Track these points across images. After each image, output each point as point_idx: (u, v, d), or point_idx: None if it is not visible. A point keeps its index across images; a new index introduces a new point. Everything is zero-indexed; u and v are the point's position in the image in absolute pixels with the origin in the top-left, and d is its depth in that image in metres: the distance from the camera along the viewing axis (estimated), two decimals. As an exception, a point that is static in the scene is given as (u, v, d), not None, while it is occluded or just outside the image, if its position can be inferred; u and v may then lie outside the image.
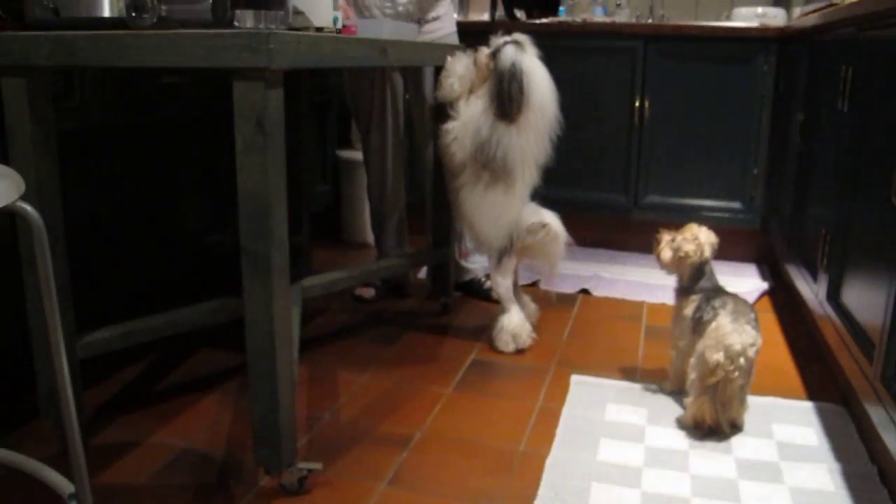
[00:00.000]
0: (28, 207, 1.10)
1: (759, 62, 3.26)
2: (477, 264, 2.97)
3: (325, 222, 3.65)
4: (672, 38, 3.32)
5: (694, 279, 2.05)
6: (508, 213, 2.35)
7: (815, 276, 2.33)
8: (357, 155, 3.52)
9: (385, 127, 2.74)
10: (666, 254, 2.08)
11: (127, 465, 1.71)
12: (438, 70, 2.45)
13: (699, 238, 2.05)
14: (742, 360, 1.84)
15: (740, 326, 1.86)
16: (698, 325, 1.95)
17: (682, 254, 2.04)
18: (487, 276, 2.76)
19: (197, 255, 2.57)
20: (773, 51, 3.25)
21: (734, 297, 1.97)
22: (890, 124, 1.79)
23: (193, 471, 1.70)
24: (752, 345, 1.86)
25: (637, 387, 2.16)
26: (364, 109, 2.73)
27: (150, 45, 1.42)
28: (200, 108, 2.47)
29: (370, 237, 3.54)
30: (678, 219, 2.67)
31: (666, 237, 2.10)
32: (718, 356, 1.83)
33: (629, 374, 2.26)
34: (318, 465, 1.64)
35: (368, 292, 2.87)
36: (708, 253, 2.04)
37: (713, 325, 1.89)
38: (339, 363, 2.30)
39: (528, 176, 2.36)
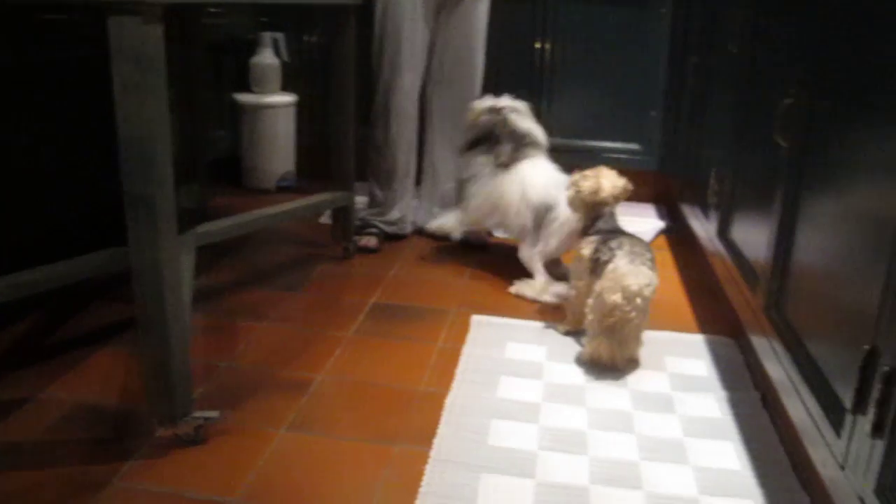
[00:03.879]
0: None
1: (657, 5, 3.29)
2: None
3: (225, 169, 3.56)
4: (572, -20, 3.32)
5: (593, 220, 2.08)
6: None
7: (706, 214, 2.40)
8: (258, 99, 3.43)
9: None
10: (569, 192, 2.11)
11: (16, 423, 1.65)
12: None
13: (599, 178, 2.08)
14: (639, 301, 1.88)
15: (636, 267, 1.90)
16: (597, 267, 1.99)
17: (577, 189, 2.07)
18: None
19: (89, 203, 2.46)
20: (670, -7, 3.29)
21: (631, 237, 2.01)
22: (774, 66, 1.84)
23: (87, 425, 1.65)
24: (648, 285, 1.91)
25: (537, 325, 2.20)
26: None
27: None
28: (85, 47, 2.33)
29: (271, 183, 3.48)
30: (581, 161, 2.70)
31: (575, 177, 2.13)
32: (616, 297, 1.87)
33: (530, 313, 2.29)
34: (214, 414, 1.62)
35: (371, 241, 2.80)
36: (606, 193, 2.07)
37: (610, 266, 1.93)
38: (238, 311, 2.26)
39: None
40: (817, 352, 1.41)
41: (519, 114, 2.57)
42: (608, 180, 2.09)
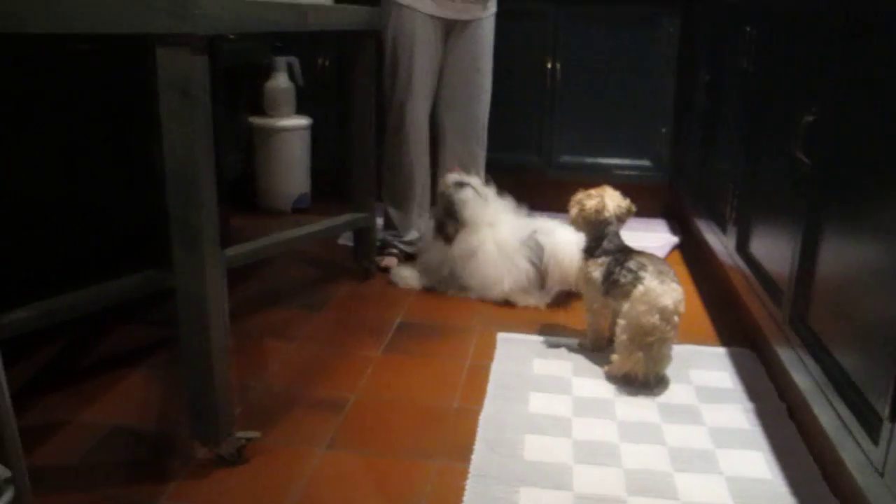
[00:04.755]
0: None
1: (665, 24, 3.35)
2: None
3: (238, 191, 3.60)
4: (582, 1, 3.38)
5: (597, 239, 2.09)
6: None
7: (724, 229, 2.44)
8: (273, 122, 3.47)
9: None
10: (572, 210, 2.13)
11: (55, 447, 1.68)
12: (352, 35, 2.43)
13: (603, 197, 2.09)
14: (676, 318, 1.91)
15: (668, 286, 1.92)
16: (613, 288, 2.00)
17: (580, 207, 2.09)
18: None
19: (111, 230, 2.50)
20: (678, 13, 3.34)
21: (648, 256, 2.02)
22: (791, 82, 1.88)
23: (126, 448, 1.68)
24: (681, 300, 1.93)
25: (560, 341, 2.23)
26: None
27: (63, 9, 1.37)
28: (110, 76, 2.38)
29: (286, 205, 3.52)
30: (591, 178, 2.75)
31: (579, 196, 2.14)
32: (654, 320, 1.89)
33: (552, 330, 2.32)
34: (256, 434, 1.65)
35: (391, 261, 2.85)
36: (610, 212, 2.07)
37: (641, 288, 1.92)
38: (266, 332, 2.29)
39: None
40: (846, 361, 1.44)
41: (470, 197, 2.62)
42: (612, 200, 2.09)
